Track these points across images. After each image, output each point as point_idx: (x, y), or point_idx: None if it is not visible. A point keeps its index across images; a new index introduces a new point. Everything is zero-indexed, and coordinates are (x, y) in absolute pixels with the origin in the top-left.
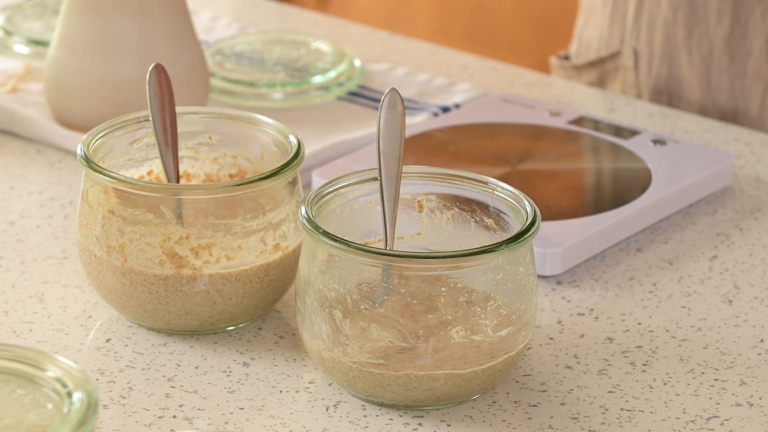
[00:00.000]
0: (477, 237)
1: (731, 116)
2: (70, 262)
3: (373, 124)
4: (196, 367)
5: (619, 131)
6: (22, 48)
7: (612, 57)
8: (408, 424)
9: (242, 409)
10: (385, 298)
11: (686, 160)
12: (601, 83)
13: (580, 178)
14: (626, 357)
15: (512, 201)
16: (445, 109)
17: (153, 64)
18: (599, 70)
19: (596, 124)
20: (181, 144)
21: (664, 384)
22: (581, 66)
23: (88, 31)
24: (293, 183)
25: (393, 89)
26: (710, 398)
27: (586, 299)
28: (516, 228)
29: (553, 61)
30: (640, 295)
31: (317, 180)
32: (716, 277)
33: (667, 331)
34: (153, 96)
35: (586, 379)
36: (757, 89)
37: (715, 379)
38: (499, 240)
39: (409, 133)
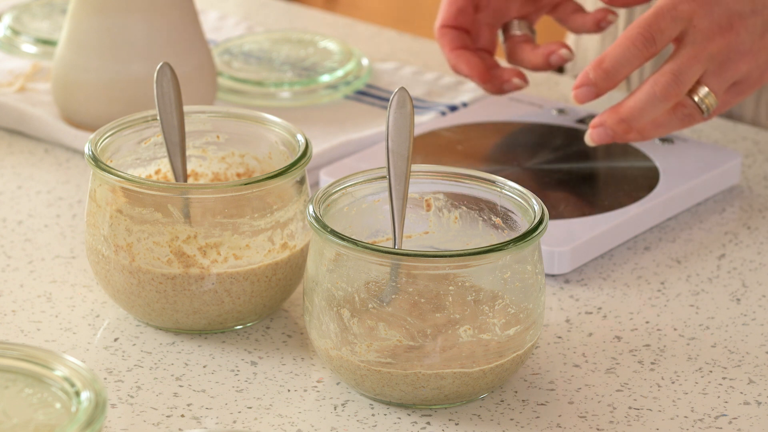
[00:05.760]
0: (485, 236)
1: (726, 118)
2: (78, 262)
3: (381, 123)
4: (204, 366)
5: None
6: (29, 47)
7: None
8: (416, 423)
9: (250, 408)
10: (393, 297)
11: (694, 159)
12: None
13: (588, 176)
14: (634, 356)
15: (520, 200)
16: (453, 108)
17: (160, 64)
18: None
19: None
20: (188, 143)
21: (672, 382)
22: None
23: (95, 31)
24: (301, 182)
25: (402, 88)
26: (718, 397)
27: (594, 298)
28: (524, 227)
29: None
30: (648, 294)
31: (325, 179)
32: (724, 276)
33: (675, 329)
34: (161, 95)
35: (594, 377)
36: None
37: (723, 378)
38: (507, 239)
39: (416, 132)
